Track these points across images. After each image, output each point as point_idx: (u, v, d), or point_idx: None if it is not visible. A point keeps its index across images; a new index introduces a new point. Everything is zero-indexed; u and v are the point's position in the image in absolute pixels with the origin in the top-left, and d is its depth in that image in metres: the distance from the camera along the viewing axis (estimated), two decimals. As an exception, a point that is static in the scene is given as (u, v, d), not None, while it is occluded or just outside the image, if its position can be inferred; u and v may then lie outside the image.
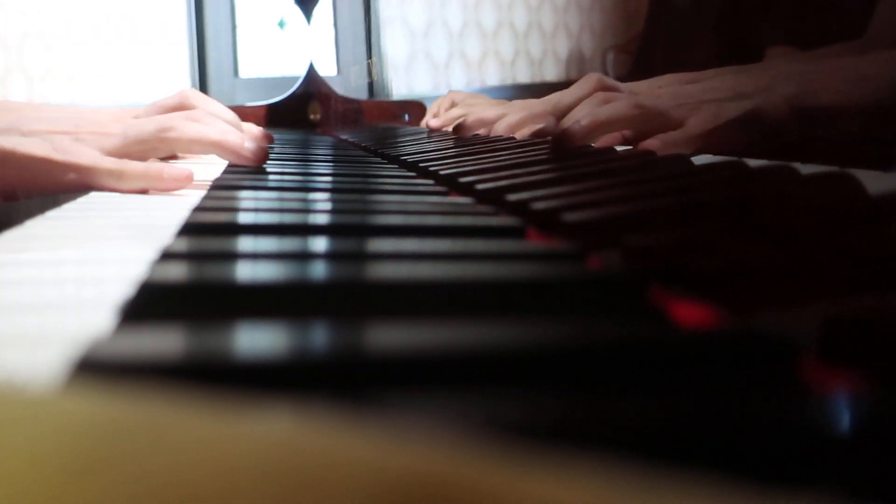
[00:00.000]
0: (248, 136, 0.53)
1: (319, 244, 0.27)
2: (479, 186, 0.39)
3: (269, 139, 0.78)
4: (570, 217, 0.28)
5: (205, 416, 0.09)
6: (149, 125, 0.50)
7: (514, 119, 0.76)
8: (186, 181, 0.44)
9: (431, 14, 1.92)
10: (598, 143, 0.58)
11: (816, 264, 0.20)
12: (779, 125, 0.48)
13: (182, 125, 0.50)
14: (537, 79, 1.99)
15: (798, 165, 0.35)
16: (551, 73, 2.01)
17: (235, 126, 0.60)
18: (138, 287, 0.18)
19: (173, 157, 0.60)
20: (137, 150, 0.49)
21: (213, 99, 0.64)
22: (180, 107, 0.59)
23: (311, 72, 1.54)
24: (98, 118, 0.54)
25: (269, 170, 0.52)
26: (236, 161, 0.52)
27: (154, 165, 0.46)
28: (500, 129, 0.77)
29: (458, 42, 1.95)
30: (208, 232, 0.29)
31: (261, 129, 0.79)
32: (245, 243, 0.26)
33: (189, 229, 0.28)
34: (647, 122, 0.54)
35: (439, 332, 0.16)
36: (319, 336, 0.16)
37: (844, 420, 0.12)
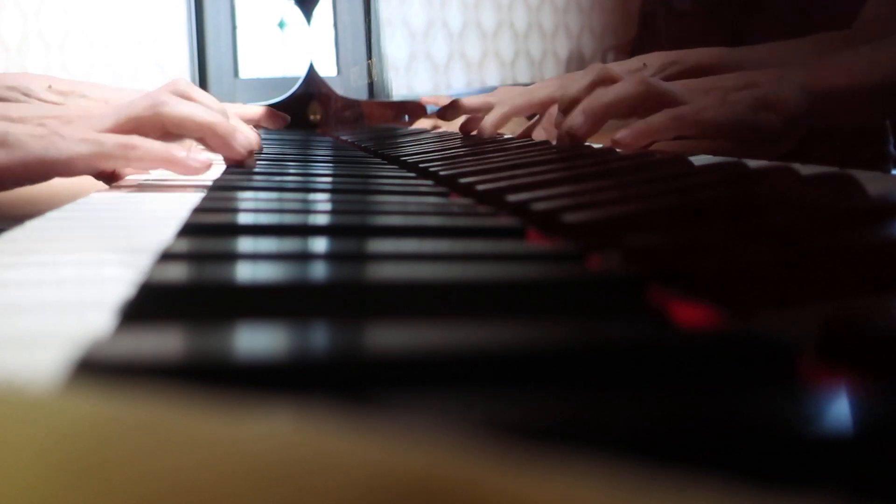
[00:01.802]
0: (239, 128, 0.52)
1: (319, 245, 0.27)
2: (480, 187, 0.39)
3: (281, 120, 0.76)
4: (571, 218, 0.28)
5: (205, 417, 0.09)
6: (140, 102, 0.49)
7: (495, 117, 0.75)
8: (204, 167, 0.44)
9: (431, 14, 1.92)
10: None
11: (816, 264, 0.20)
12: (792, 112, 0.47)
13: (175, 101, 0.49)
14: (537, 79, 1.99)
15: (798, 166, 0.35)
16: (551, 74, 2.01)
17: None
18: (138, 287, 0.18)
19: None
20: (130, 128, 0.48)
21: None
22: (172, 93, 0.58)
23: (311, 72, 1.54)
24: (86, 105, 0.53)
25: (268, 170, 0.52)
26: (225, 152, 0.51)
27: (168, 145, 0.45)
28: (485, 128, 0.76)
29: (458, 42, 1.95)
30: (208, 232, 0.29)
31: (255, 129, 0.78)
32: (245, 244, 0.26)
33: (189, 230, 0.28)
34: (653, 101, 0.53)
35: (439, 332, 0.16)
36: (319, 336, 0.16)
37: (844, 420, 0.12)
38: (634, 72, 0.69)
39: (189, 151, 0.45)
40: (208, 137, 0.51)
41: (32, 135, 0.42)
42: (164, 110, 0.48)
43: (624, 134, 0.51)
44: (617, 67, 0.72)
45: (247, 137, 0.52)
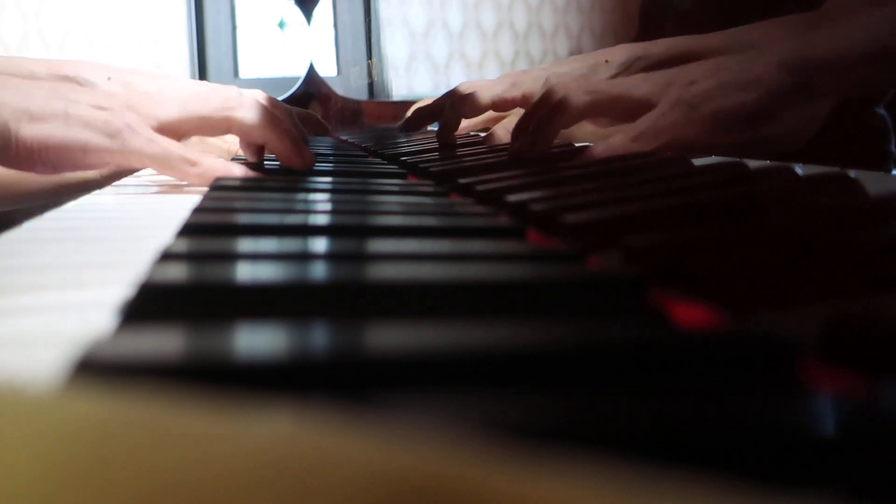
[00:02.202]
0: (300, 144, 0.52)
1: (319, 245, 0.27)
2: (479, 187, 0.39)
3: (323, 129, 0.76)
4: (570, 218, 0.28)
5: (205, 417, 0.09)
6: (211, 100, 0.49)
7: (468, 124, 0.74)
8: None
9: (431, 14, 1.92)
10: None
11: (816, 264, 0.20)
12: (771, 88, 0.45)
13: (247, 107, 0.49)
14: (537, 79, 1.99)
15: (798, 166, 0.35)
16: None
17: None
18: (138, 288, 0.18)
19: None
20: (194, 125, 0.48)
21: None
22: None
23: (311, 72, 1.54)
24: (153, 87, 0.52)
25: (268, 170, 0.52)
26: (286, 162, 0.51)
27: (228, 164, 0.45)
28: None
29: (458, 42, 1.95)
30: (208, 232, 0.29)
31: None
32: (245, 244, 0.26)
33: (189, 230, 0.28)
34: (606, 107, 0.50)
35: (439, 332, 0.16)
36: (319, 336, 0.16)
37: (844, 420, 0.12)
38: (585, 77, 0.67)
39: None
40: (272, 148, 0.51)
41: (97, 118, 0.42)
42: (236, 115, 0.48)
43: (585, 158, 0.49)
44: (574, 64, 0.70)
45: (304, 154, 0.52)
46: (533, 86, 0.69)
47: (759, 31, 0.64)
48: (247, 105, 0.49)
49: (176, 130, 0.47)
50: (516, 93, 0.70)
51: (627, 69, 0.68)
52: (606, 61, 0.69)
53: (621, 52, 0.70)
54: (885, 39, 0.43)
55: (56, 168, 0.42)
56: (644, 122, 0.48)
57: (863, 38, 0.44)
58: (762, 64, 0.45)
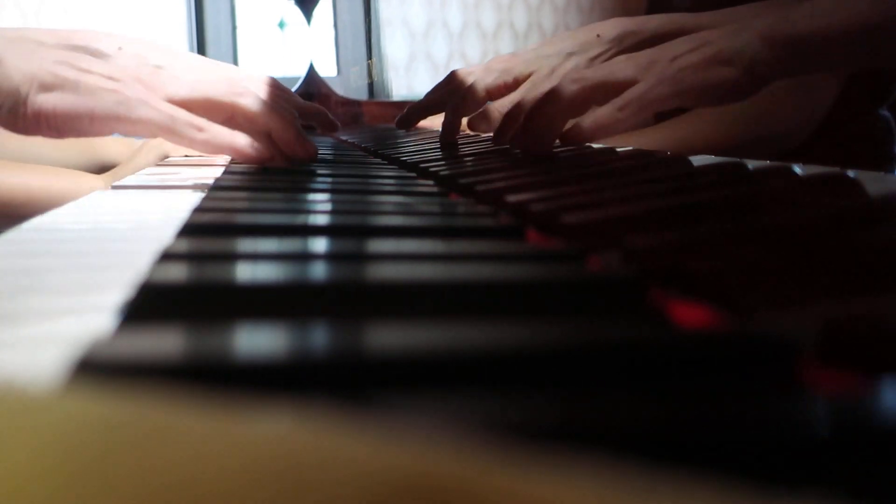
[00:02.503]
0: (302, 136, 0.53)
1: (319, 245, 0.27)
2: (479, 187, 0.39)
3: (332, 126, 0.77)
4: (570, 218, 0.28)
5: (205, 417, 0.09)
6: (221, 84, 0.49)
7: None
8: (265, 157, 0.46)
9: (431, 14, 1.92)
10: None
11: (816, 264, 0.20)
12: (751, 62, 0.45)
13: (253, 97, 0.50)
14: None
15: (797, 166, 0.35)
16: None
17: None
18: (138, 288, 0.18)
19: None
20: (200, 105, 0.48)
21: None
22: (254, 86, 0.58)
23: (311, 72, 1.54)
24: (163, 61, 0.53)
25: (268, 170, 0.52)
26: (288, 152, 0.52)
27: (234, 133, 0.46)
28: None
29: (459, 43, 1.95)
30: (208, 232, 0.29)
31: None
32: (245, 244, 0.26)
33: (189, 230, 0.28)
34: (600, 92, 0.49)
35: (439, 332, 0.16)
36: (319, 336, 0.16)
37: (844, 420, 0.12)
38: (570, 57, 0.66)
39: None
40: (276, 136, 0.51)
41: (105, 88, 0.43)
42: (242, 102, 0.49)
43: (574, 133, 0.49)
44: (566, 42, 0.69)
45: (307, 144, 0.53)
46: (524, 69, 0.69)
47: (751, 9, 0.64)
48: (253, 93, 0.50)
49: (182, 107, 0.47)
50: (508, 78, 0.70)
51: (619, 44, 0.68)
52: (598, 36, 0.68)
53: (613, 27, 0.69)
54: (866, 16, 0.43)
55: (61, 133, 0.43)
56: (630, 93, 0.48)
57: (844, 14, 0.44)
58: (744, 38, 0.46)
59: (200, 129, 0.44)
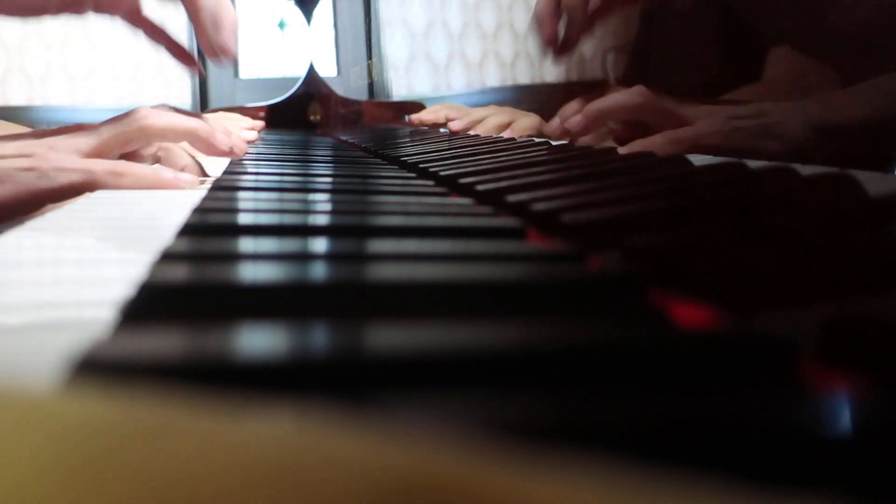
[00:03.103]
0: (220, 129, 0.55)
1: (319, 245, 0.27)
2: (480, 187, 0.39)
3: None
4: (570, 218, 0.28)
5: (205, 417, 0.09)
6: (120, 119, 0.51)
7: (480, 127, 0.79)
8: (191, 185, 0.47)
9: (431, 15, 1.92)
10: (592, 137, 0.59)
11: (816, 265, 0.20)
12: (796, 144, 0.50)
13: (155, 113, 0.51)
14: (537, 80, 1.99)
15: (798, 166, 0.35)
16: (551, 75, 2.01)
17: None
18: (138, 287, 0.18)
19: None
20: (116, 143, 0.49)
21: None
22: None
23: (311, 72, 1.54)
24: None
25: (268, 171, 0.52)
26: (210, 152, 0.53)
27: (154, 168, 0.47)
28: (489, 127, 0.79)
29: (459, 43, 1.95)
30: (208, 232, 0.29)
31: (255, 123, 0.79)
32: (245, 244, 0.26)
33: (189, 230, 0.28)
34: (652, 113, 0.56)
35: (439, 332, 0.16)
36: (319, 336, 0.16)
37: (844, 421, 0.12)
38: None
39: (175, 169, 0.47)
40: (192, 141, 0.53)
41: (21, 168, 0.44)
42: (147, 122, 0.50)
43: (622, 150, 0.54)
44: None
45: (226, 135, 0.54)
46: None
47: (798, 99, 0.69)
48: (148, 109, 0.51)
49: (100, 155, 0.48)
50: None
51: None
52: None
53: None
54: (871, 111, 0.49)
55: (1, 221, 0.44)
56: (684, 132, 0.53)
57: (881, 103, 0.49)
58: (798, 121, 0.51)
59: (121, 175, 0.45)
